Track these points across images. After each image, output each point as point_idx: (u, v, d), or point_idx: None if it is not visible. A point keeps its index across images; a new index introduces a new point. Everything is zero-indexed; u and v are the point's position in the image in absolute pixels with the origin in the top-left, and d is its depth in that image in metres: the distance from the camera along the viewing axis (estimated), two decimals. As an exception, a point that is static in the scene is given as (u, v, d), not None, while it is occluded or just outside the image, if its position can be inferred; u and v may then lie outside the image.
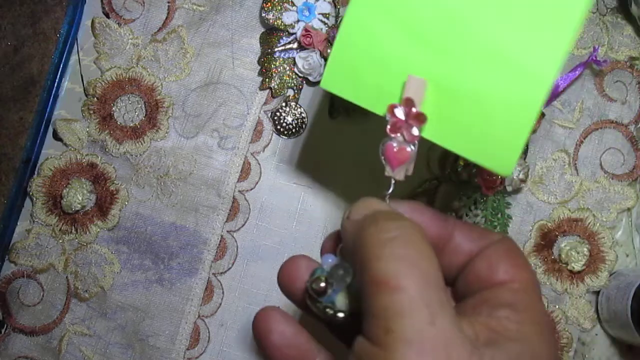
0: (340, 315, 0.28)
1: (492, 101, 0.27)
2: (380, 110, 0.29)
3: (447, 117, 0.28)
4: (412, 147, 0.28)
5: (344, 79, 0.31)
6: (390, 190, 0.29)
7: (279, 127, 0.48)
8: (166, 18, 0.49)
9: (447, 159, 0.48)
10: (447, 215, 0.29)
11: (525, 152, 0.48)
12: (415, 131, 0.28)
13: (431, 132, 0.28)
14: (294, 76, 0.48)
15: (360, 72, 0.30)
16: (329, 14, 0.47)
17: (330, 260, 0.29)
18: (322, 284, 0.28)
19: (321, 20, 0.47)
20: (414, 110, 0.28)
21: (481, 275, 0.27)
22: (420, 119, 0.28)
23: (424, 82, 0.28)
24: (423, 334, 0.22)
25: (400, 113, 0.28)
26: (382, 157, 0.29)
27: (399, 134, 0.28)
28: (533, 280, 0.27)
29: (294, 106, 0.48)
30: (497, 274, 0.27)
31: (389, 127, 0.28)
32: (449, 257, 0.28)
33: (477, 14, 0.27)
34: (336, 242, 0.30)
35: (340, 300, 0.28)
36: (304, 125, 0.48)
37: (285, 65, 0.48)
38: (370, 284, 0.24)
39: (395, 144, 0.28)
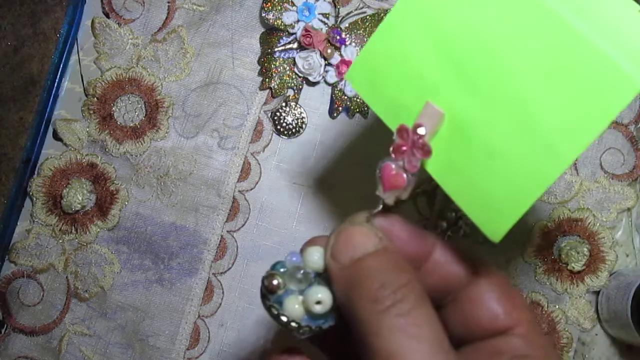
0: (284, 319, 0.26)
1: (504, 161, 0.25)
2: (392, 124, 0.28)
3: (454, 159, 0.26)
4: (411, 175, 0.27)
5: (369, 78, 0.29)
6: (377, 211, 0.27)
7: (279, 127, 0.48)
8: (166, 18, 0.49)
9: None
10: (426, 232, 0.28)
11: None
12: (416, 162, 0.26)
13: (434, 168, 0.27)
14: (294, 76, 0.48)
15: (385, 78, 0.29)
16: (329, 14, 0.47)
17: (295, 259, 0.27)
18: (274, 282, 0.26)
19: (321, 20, 0.47)
20: (421, 140, 0.26)
21: (483, 322, 0.26)
22: (425, 150, 0.26)
23: (441, 114, 0.26)
24: None
25: (407, 137, 0.26)
26: (378, 175, 0.27)
27: (400, 159, 0.27)
28: (534, 320, 0.27)
29: (294, 106, 0.48)
30: (500, 319, 0.26)
31: (392, 147, 0.27)
32: (429, 276, 0.27)
33: (521, 66, 0.25)
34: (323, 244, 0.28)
35: (290, 304, 0.26)
36: (304, 125, 0.48)
37: (285, 65, 0.48)
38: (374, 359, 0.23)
39: (394, 166, 0.27)
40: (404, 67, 0.28)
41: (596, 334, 0.49)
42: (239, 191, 0.48)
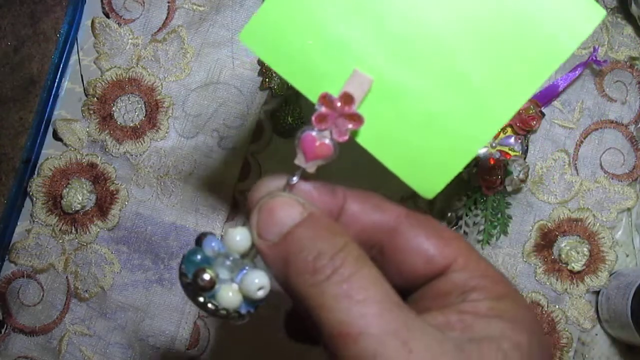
0: (223, 312, 0.24)
1: (440, 125, 0.25)
2: (310, 94, 0.26)
3: (383, 126, 0.26)
4: (336, 145, 0.26)
5: (275, 40, 0.26)
6: (295, 181, 0.26)
7: (279, 127, 0.48)
8: (166, 18, 0.49)
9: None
10: (334, 186, 0.27)
11: (525, 152, 0.48)
12: (346, 132, 0.25)
13: (362, 137, 0.26)
14: (294, 76, 0.48)
15: (294, 43, 0.26)
16: (329, 14, 0.47)
17: (214, 244, 0.25)
18: (207, 277, 0.24)
19: (321, 20, 0.47)
20: (351, 109, 0.25)
21: (418, 269, 0.25)
22: (356, 120, 0.25)
23: (369, 81, 0.26)
24: None
25: (333, 107, 0.25)
26: (297, 145, 0.26)
27: (325, 128, 0.26)
28: (469, 247, 0.26)
29: (294, 106, 0.48)
30: (435, 260, 0.25)
31: (315, 116, 0.25)
32: (349, 230, 0.26)
33: (455, 29, 0.25)
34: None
35: (225, 295, 0.24)
36: (303, 125, 0.48)
37: (285, 65, 0.48)
38: (331, 338, 0.21)
39: (317, 136, 0.26)
40: (320, 33, 0.26)
41: (596, 334, 0.49)
42: (239, 191, 0.48)
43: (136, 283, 0.47)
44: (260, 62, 0.48)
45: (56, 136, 0.48)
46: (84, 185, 0.47)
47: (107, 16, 0.49)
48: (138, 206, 0.48)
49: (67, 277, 0.47)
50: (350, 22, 0.26)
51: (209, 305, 0.24)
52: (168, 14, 0.49)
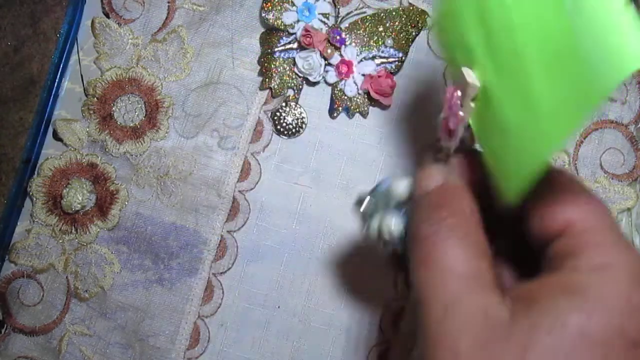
0: (385, 237, 0.31)
1: (511, 137, 0.27)
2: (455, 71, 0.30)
3: (483, 126, 0.29)
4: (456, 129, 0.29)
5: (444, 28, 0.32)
6: (442, 155, 0.30)
7: (279, 127, 0.48)
8: (166, 18, 0.49)
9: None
10: (477, 156, 0.31)
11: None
12: (455, 124, 0.29)
13: (476, 130, 0.30)
14: (294, 76, 0.48)
15: (449, 31, 0.31)
16: (329, 14, 0.47)
17: (384, 185, 0.31)
18: (366, 204, 0.32)
19: (321, 20, 0.47)
20: (457, 105, 0.29)
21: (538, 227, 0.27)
22: (459, 117, 0.29)
23: (477, 86, 0.28)
24: None
25: (451, 99, 0.29)
26: (439, 129, 0.30)
27: (451, 112, 0.29)
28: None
29: (294, 106, 0.48)
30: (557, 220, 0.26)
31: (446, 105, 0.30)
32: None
33: (539, 56, 0.26)
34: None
35: (374, 224, 0.31)
36: (304, 125, 0.48)
37: (285, 65, 0.48)
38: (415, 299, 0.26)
39: (447, 119, 0.29)
40: (456, 27, 0.30)
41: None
42: (239, 191, 0.48)
43: (136, 283, 0.47)
44: (260, 62, 0.48)
45: (56, 136, 0.48)
46: (84, 185, 0.47)
47: (107, 16, 0.49)
48: (138, 206, 0.48)
49: (67, 277, 0.47)
50: (475, 30, 0.29)
51: (375, 226, 0.31)
52: (168, 14, 0.49)
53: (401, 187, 0.31)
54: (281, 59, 0.48)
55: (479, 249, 0.26)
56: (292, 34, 0.47)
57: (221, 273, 0.48)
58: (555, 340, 0.22)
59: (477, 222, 0.27)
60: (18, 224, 0.48)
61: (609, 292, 0.23)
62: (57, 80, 0.48)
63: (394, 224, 0.31)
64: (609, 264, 0.23)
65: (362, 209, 0.32)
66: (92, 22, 0.48)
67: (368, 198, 0.32)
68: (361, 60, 0.47)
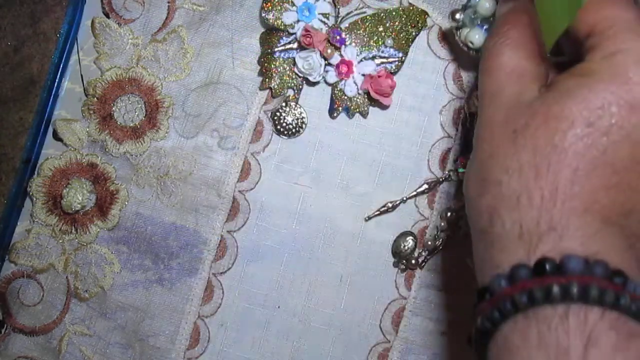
0: (470, 45, 0.41)
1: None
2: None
3: None
4: None
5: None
6: None
7: (279, 127, 0.48)
8: (166, 18, 0.49)
9: (447, 158, 0.48)
10: None
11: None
12: None
13: None
14: (294, 76, 0.48)
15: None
16: (329, 14, 0.47)
17: (474, 0, 0.40)
18: (458, 15, 0.42)
19: (321, 20, 0.47)
20: None
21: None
22: None
23: None
24: None
25: None
26: None
27: None
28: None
29: (294, 106, 0.48)
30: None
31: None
32: None
33: None
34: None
35: (463, 33, 0.41)
36: (304, 125, 0.48)
37: (285, 65, 0.48)
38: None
39: None
40: None
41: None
42: (239, 191, 0.48)
43: (136, 283, 0.47)
44: (260, 62, 0.48)
45: (56, 136, 0.48)
46: (84, 185, 0.47)
47: (107, 16, 0.49)
48: (138, 206, 0.48)
49: (67, 277, 0.47)
50: None
51: (463, 37, 0.42)
52: (168, 14, 0.49)
53: (487, 4, 0.40)
54: (281, 59, 0.48)
55: (528, 51, 0.32)
56: (292, 34, 0.47)
57: (221, 273, 0.48)
58: (560, 106, 0.28)
59: (533, 31, 0.32)
60: (18, 224, 0.48)
61: (611, 73, 0.28)
62: (57, 80, 0.48)
63: (477, 38, 0.40)
64: (619, 50, 0.28)
65: (455, 21, 0.42)
66: (92, 22, 0.48)
67: (460, 13, 0.41)
68: (361, 60, 0.47)
